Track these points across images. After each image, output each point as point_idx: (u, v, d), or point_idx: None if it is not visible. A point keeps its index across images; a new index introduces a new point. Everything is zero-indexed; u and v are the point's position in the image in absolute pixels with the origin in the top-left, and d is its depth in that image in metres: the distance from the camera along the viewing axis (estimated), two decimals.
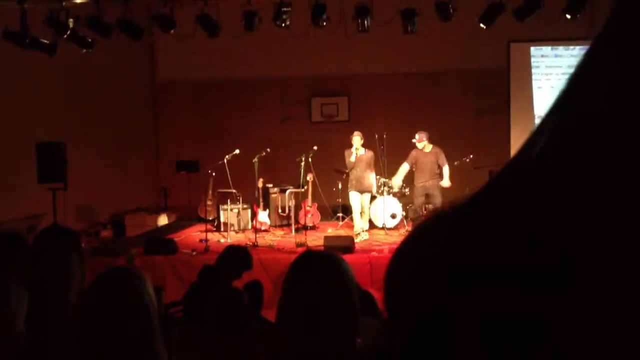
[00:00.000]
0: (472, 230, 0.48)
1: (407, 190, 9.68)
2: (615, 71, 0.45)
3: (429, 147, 9.07)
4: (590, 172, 0.44)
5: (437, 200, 9.02)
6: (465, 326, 0.45)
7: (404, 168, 9.24)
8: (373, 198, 9.49)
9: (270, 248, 8.30)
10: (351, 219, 9.41)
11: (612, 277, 0.42)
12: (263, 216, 9.86)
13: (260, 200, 9.92)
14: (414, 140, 9.08)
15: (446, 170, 9.07)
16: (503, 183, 0.51)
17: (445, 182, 9.03)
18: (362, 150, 8.92)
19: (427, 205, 9.31)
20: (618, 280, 0.42)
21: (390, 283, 0.54)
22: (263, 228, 9.66)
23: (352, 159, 8.86)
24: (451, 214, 0.52)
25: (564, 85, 0.49)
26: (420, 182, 9.12)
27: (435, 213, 0.54)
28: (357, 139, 8.89)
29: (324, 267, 1.78)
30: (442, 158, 9.08)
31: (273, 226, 10.13)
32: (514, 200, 0.47)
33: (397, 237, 9.17)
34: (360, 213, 9.08)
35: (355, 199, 8.96)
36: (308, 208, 9.91)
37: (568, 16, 8.32)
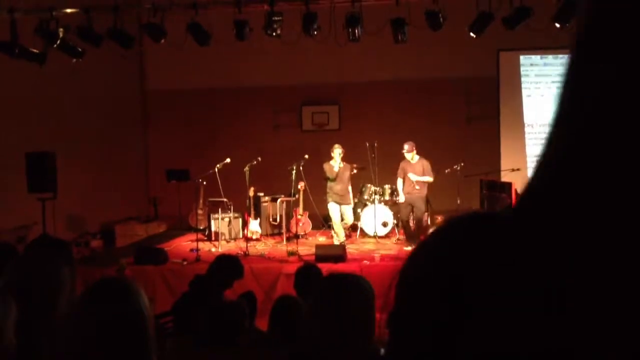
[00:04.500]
0: (481, 248, 0.49)
1: (398, 198, 9.63)
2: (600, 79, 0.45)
3: (415, 158, 9.07)
4: (593, 196, 0.44)
5: (420, 211, 9.06)
6: (469, 341, 0.45)
7: (400, 183, 9.21)
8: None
9: (261, 257, 8.28)
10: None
11: (621, 304, 0.41)
12: (254, 225, 9.84)
13: (252, 209, 9.90)
14: (403, 151, 9.07)
15: (429, 178, 9.03)
16: (523, 203, 0.51)
17: (414, 177, 8.91)
18: (341, 164, 9.02)
19: (413, 215, 9.30)
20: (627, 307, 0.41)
21: (400, 295, 0.54)
22: (254, 237, 9.63)
23: (336, 168, 8.95)
24: (462, 229, 0.52)
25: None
26: (405, 193, 9.10)
27: (445, 225, 0.54)
28: (338, 152, 9.00)
29: (350, 288, 1.95)
30: (428, 170, 9.04)
31: (264, 235, 10.10)
32: (530, 221, 0.48)
33: (389, 245, 9.19)
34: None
35: (335, 210, 9.07)
36: (299, 217, 9.90)
37: (557, 25, 8.37)
